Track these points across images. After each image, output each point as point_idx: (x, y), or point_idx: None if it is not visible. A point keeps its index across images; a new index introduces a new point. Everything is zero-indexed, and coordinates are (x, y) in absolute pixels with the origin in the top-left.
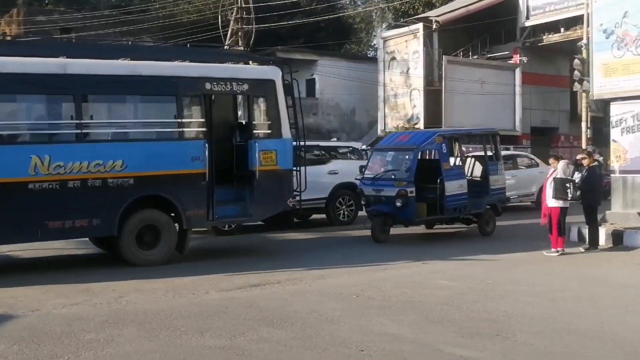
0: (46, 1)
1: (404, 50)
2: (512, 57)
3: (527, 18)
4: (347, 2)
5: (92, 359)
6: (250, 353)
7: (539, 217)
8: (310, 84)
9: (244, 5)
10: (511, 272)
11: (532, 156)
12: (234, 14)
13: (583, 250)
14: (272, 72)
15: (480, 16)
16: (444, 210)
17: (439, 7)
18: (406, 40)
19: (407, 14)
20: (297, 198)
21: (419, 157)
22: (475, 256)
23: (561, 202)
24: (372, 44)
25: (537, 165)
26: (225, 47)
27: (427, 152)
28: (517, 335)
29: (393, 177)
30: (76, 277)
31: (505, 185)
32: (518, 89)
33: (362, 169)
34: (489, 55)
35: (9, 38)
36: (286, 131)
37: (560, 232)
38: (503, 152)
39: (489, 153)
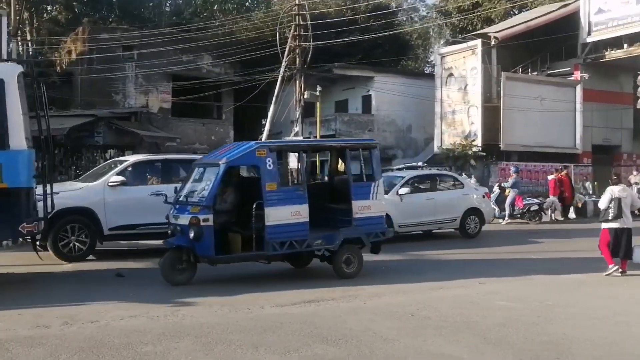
0: (109, 20)
1: (462, 67)
2: (572, 74)
3: (589, 34)
4: (405, 19)
5: None
6: None
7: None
8: (367, 100)
9: (301, 23)
10: (571, 293)
11: (456, 175)
12: (292, 31)
13: None
14: (3, 71)
15: (540, 32)
16: (263, 245)
17: (497, 23)
18: (464, 57)
19: (465, 30)
20: (36, 223)
21: (244, 175)
22: (533, 276)
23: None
24: (429, 60)
25: (462, 186)
26: (284, 63)
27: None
28: (577, 359)
29: (188, 200)
30: (135, 290)
31: (383, 212)
32: (579, 106)
33: (176, 189)
34: (548, 72)
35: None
36: (18, 141)
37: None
38: (426, 171)
39: (356, 171)
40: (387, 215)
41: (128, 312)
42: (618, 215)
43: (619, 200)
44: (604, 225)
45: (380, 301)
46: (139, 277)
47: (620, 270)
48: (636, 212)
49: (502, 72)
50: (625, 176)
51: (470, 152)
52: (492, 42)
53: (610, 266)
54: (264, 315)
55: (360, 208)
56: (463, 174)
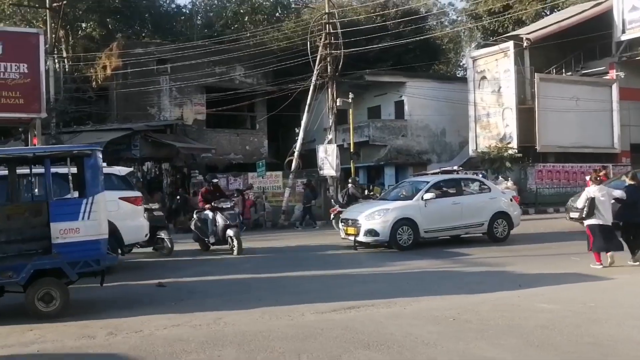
0: (142, 34)
1: (495, 69)
2: (607, 73)
3: (623, 32)
4: (435, 24)
5: None
6: None
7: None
8: (399, 105)
9: (332, 31)
10: (615, 294)
11: (482, 179)
12: (323, 39)
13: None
14: None
15: (573, 32)
16: None
17: (529, 24)
18: (496, 59)
19: (496, 33)
20: None
21: None
22: (572, 277)
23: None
24: (461, 63)
25: (489, 190)
26: (315, 72)
27: None
28: None
29: None
30: (176, 300)
31: (100, 235)
32: (615, 105)
33: None
34: (583, 72)
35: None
36: None
37: None
38: (451, 176)
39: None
40: (412, 220)
41: (171, 322)
42: (590, 213)
43: (592, 199)
44: (585, 223)
45: (419, 306)
46: (178, 288)
47: (603, 265)
48: None
49: (536, 74)
50: None
51: (506, 155)
52: (525, 44)
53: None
54: (305, 322)
55: (63, 232)
56: (500, 176)
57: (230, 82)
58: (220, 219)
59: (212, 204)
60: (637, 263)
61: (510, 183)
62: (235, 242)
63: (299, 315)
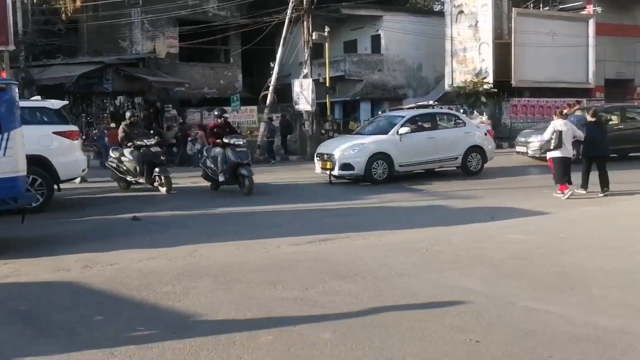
0: None
1: (472, 3)
2: (585, 8)
3: None
4: None
5: (170, 310)
6: (322, 305)
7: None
8: (376, 40)
9: None
10: (586, 225)
11: (457, 114)
12: None
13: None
14: None
15: None
16: None
17: None
18: None
19: None
20: None
21: None
22: (545, 210)
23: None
24: None
25: (464, 124)
26: (291, 5)
27: None
28: (592, 289)
29: None
30: (151, 234)
31: (18, 172)
32: (591, 41)
33: None
34: (560, 7)
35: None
36: None
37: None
38: (426, 110)
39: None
40: (387, 154)
41: (146, 255)
42: (558, 146)
43: (560, 133)
44: (548, 155)
45: (393, 238)
46: (154, 222)
47: (563, 193)
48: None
49: (513, 8)
50: None
51: (481, 90)
52: None
53: (565, 191)
54: (280, 254)
55: None
56: (475, 111)
57: (203, 15)
58: (232, 156)
59: (224, 139)
60: (602, 195)
61: (485, 117)
62: (247, 181)
63: (274, 247)
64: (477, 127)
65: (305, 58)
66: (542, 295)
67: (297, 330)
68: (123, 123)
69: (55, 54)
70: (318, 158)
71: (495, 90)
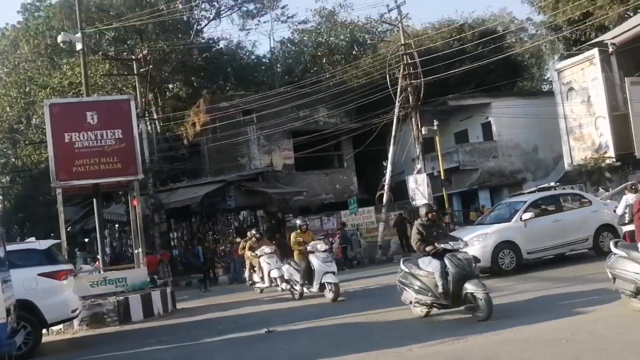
0: (226, 88)
1: (582, 79)
2: None
3: None
4: (514, 40)
5: None
6: None
7: None
8: (486, 127)
9: (410, 61)
10: None
11: (582, 192)
12: (401, 71)
13: None
14: None
15: None
16: None
17: (612, 29)
18: (582, 68)
19: (579, 42)
20: None
21: None
22: None
23: None
24: (546, 77)
25: (590, 203)
26: (397, 103)
27: None
28: None
29: None
30: (285, 345)
31: None
32: None
33: None
34: None
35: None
36: None
37: None
38: (549, 192)
39: None
40: (512, 242)
41: None
42: (632, 220)
43: (632, 206)
44: (624, 229)
45: (529, 330)
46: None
47: None
48: None
49: (625, 78)
50: None
51: (603, 165)
52: (610, 49)
53: None
54: (412, 356)
55: None
56: (600, 188)
57: (315, 124)
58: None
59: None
60: None
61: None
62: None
63: (406, 350)
64: (604, 205)
65: (417, 153)
66: None
67: None
68: (417, 222)
69: (180, 177)
70: None
71: (618, 164)
